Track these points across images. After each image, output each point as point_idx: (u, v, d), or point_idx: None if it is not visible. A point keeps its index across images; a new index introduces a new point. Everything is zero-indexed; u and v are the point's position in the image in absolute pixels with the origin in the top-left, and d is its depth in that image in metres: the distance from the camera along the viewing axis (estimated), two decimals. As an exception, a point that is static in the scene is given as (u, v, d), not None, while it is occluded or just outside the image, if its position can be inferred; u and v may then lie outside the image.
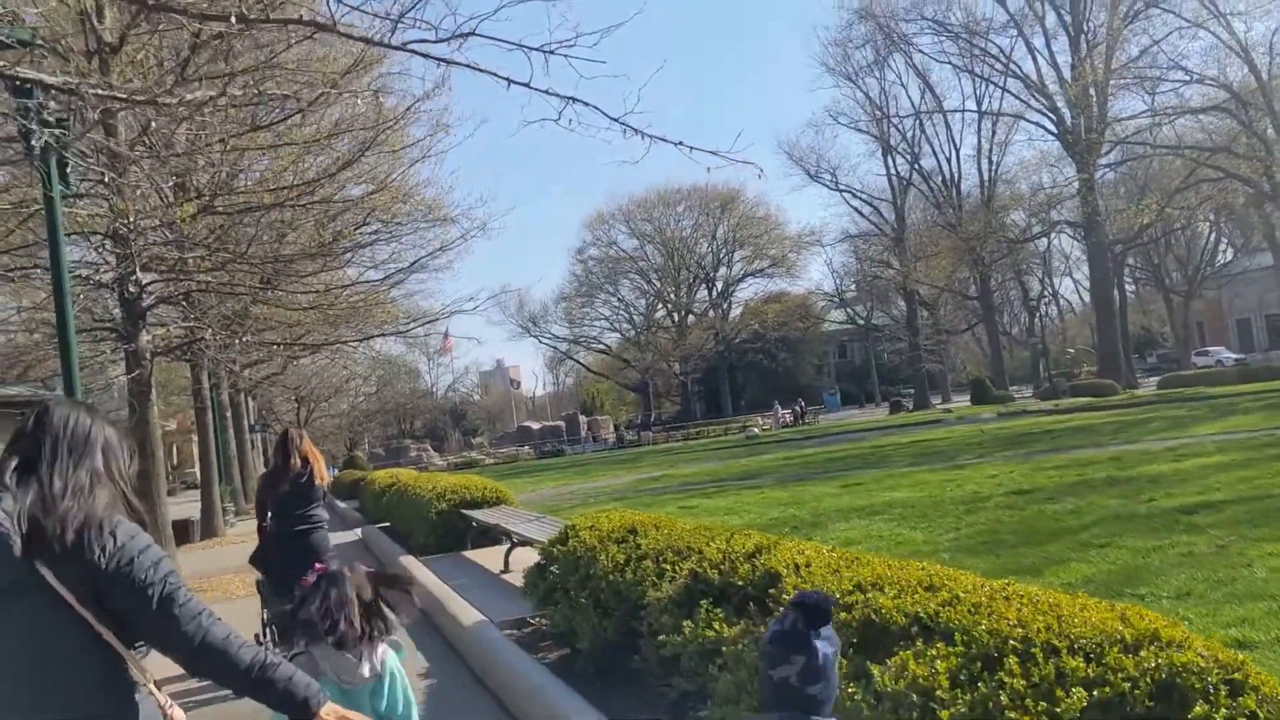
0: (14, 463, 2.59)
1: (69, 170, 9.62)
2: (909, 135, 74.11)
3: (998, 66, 64.43)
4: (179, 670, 2.65)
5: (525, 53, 7.35)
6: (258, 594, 9.37)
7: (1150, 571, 8.50)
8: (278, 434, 9.95)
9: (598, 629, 6.74)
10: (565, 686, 6.51)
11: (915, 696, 3.50)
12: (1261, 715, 3.01)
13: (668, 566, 6.27)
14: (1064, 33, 59.19)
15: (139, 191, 12.91)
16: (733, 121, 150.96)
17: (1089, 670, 3.22)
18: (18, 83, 7.92)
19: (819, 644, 2.53)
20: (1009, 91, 65.37)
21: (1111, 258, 62.06)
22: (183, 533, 23.40)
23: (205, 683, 2.61)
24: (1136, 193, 59.29)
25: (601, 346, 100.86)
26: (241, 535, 22.99)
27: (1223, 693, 3.05)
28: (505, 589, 11.20)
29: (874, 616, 4.20)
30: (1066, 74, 56.85)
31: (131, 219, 12.54)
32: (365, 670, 3.87)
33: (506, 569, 12.30)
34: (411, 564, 13.74)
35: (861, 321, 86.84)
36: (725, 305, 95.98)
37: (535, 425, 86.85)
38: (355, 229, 20.51)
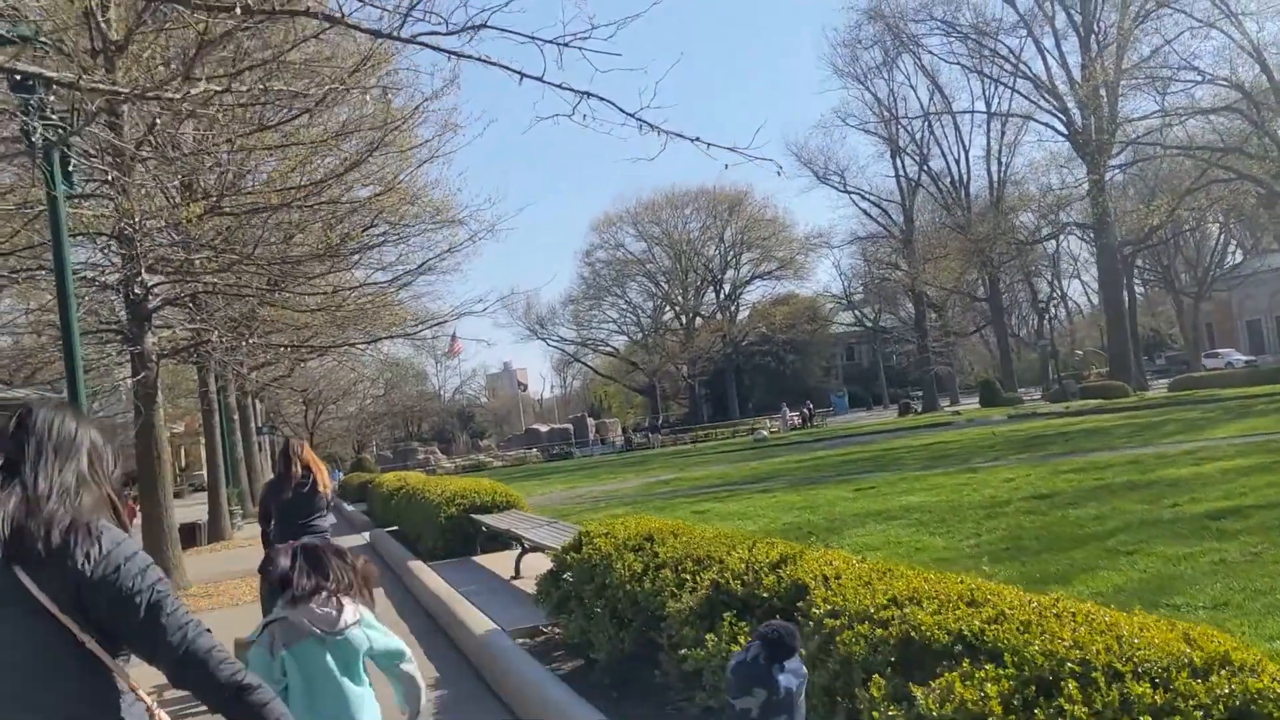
0: None
1: (72, 169, 9.43)
2: (918, 136, 73.95)
3: (1007, 67, 64.21)
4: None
5: (539, 46, 7.17)
6: (260, 601, 9.20)
7: (1183, 580, 8.26)
8: (280, 442, 9.92)
9: (614, 640, 6.54)
10: (581, 700, 6.30)
11: (965, 723, 3.28)
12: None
13: (687, 576, 6.06)
14: (1074, 33, 58.95)
15: (144, 191, 12.74)
16: (741, 121, 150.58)
17: (1156, 697, 2.99)
18: (18, 77, 7.73)
19: (782, 678, 2.50)
20: (1018, 92, 65.13)
21: (1121, 259, 61.78)
22: (189, 536, 23.23)
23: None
24: (1146, 194, 58.95)
25: (609, 349, 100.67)
26: (249, 538, 22.80)
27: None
28: (516, 596, 11.02)
29: (913, 634, 3.97)
30: (1076, 74, 56.54)
31: (137, 219, 12.35)
32: (348, 616, 4.09)
33: (517, 575, 12.12)
34: (420, 569, 13.54)
35: (869, 324, 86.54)
36: (733, 307, 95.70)
37: (543, 428, 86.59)
38: (363, 231, 20.34)
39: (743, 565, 5.64)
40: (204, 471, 33.27)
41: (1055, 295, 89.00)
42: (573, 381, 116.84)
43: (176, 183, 14.89)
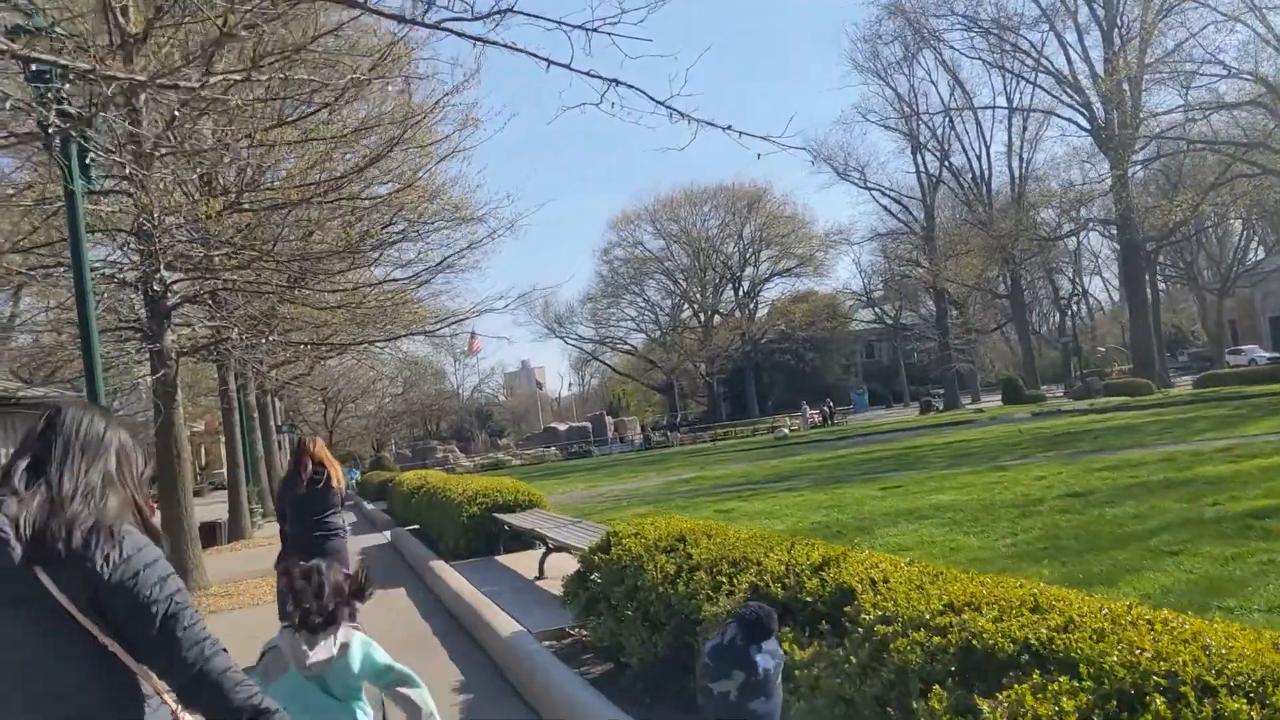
0: (24, 464, 2.46)
1: (90, 162, 9.27)
2: (939, 132, 73.39)
3: (1029, 62, 63.74)
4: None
5: (566, 32, 6.95)
6: (278, 600, 9.09)
7: (1233, 582, 7.98)
8: (296, 440, 9.89)
9: (647, 644, 6.34)
10: (613, 704, 6.10)
11: (1041, 739, 3.04)
12: None
13: (723, 579, 5.85)
14: (1097, 27, 58.40)
15: (163, 187, 12.58)
16: (761, 115, 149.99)
17: (1253, 713, 2.75)
18: (34, 67, 7.56)
19: (759, 659, 2.53)
20: (1040, 87, 64.73)
21: (1144, 255, 61.26)
22: (210, 535, 23.16)
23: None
24: (1169, 189, 58.47)
25: (627, 347, 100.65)
26: (269, 537, 22.69)
27: None
28: (540, 597, 10.84)
29: (974, 642, 3.72)
30: (1099, 69, 56.08)
31: (156, 215, 12.19)
32: (328, 650, 3.92)
33: (541, 575, 11.93)
34: (442, 568, 13.37)
35: (890, 321, 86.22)
36: (752, 305, 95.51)
37: (561, 426, 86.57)
38: (382, 228, 20.19)
39: (782, 568, 5.41)
40: (224, 470, 33.21)
41: (1077, 292, 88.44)
42: (590, 380, 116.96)
43: (195, 177, 14.74)
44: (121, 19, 11.44)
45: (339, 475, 9.17)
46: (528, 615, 9.41)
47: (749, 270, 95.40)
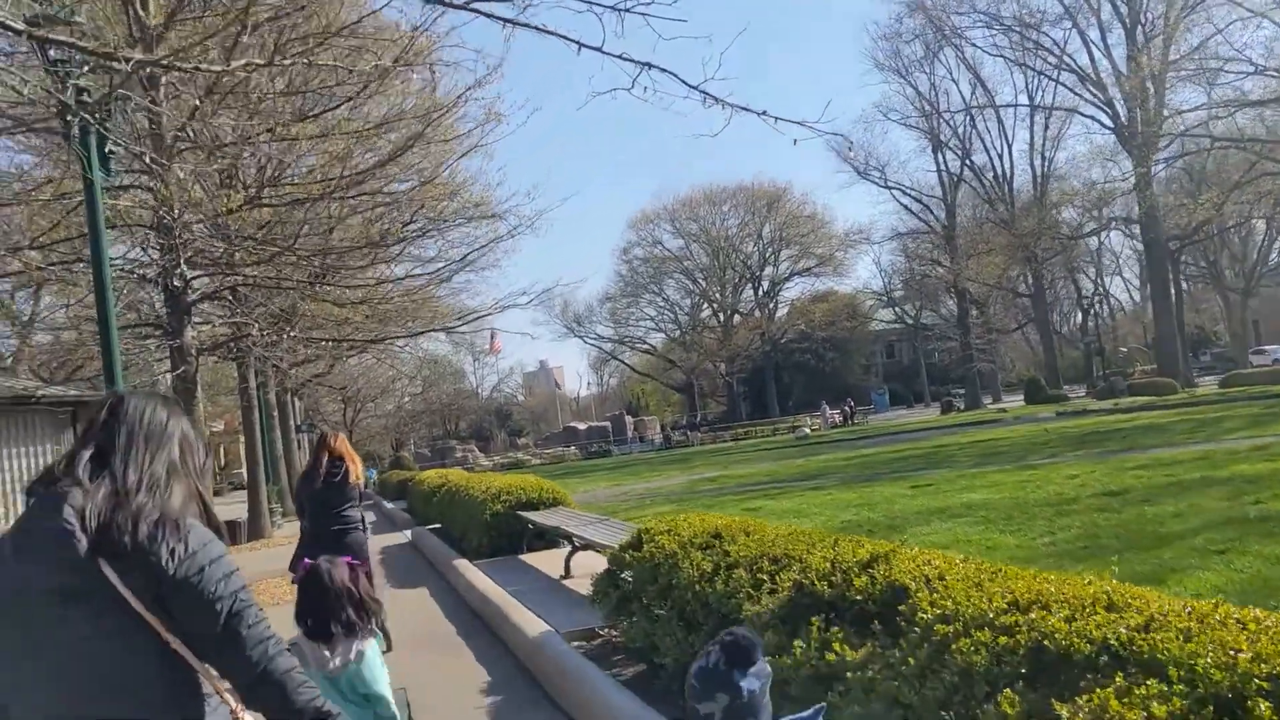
0: (88, 454, 2.42)
1: (109, 152, 9.11)
2: (960, 131, 72.75)
3: (1051, 60, 63.17)
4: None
5: (597, 14, 6.76)
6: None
7: (1288, 582, 7.72)
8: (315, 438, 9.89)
9: (683, 644, 6.11)
10: (649, 707, 5.90)
11: (1131, 747, 2.81)
12: None
13: (764, 577, 5.62)
14: (1120, 24, 57.90)
15: (183, 181, 12.44)
16: (783, 110, 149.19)
17: (1372, 719, 2.52)
18: (51, 52, 7.40)
19: (744, 682, 2.52)
20: (1063, 85, 64.11)
21: (1168, 255, 60.73)
22: (230, 534, 22.84)
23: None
24: (1192, 188, 57.94)
25: (646, 347, 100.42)
26: (289, 536, 22.54)
27: None
28: (567, 596, 10.62)
29: (1046, 642, 3.48)
30: (1122, 66, 55.60)
31: (176, 209, 12.04)
32: (344, 656, 4.10)
33: (567, 574, 11.72)
34: (466, 567, 13.19)
35: (910, 321, 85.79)
36: (771, 305, 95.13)
37: (581, 426, 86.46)
38: (403, 226, 20.05)
39: (828, 565, 5.18)
40: (243, 469, 33.16)
41: (1099, 291, 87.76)
42: (610, 379, 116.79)
43: (216, 170, 14.62)
44: (141, 12, 11.31)
45: (358, 470, 9.18)
46: (555, 615, 9.19)
47: (768, 270, 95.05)
